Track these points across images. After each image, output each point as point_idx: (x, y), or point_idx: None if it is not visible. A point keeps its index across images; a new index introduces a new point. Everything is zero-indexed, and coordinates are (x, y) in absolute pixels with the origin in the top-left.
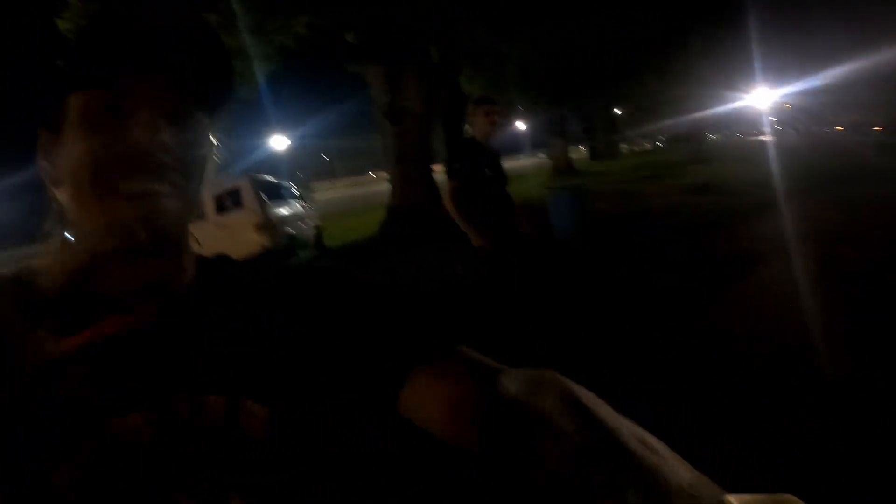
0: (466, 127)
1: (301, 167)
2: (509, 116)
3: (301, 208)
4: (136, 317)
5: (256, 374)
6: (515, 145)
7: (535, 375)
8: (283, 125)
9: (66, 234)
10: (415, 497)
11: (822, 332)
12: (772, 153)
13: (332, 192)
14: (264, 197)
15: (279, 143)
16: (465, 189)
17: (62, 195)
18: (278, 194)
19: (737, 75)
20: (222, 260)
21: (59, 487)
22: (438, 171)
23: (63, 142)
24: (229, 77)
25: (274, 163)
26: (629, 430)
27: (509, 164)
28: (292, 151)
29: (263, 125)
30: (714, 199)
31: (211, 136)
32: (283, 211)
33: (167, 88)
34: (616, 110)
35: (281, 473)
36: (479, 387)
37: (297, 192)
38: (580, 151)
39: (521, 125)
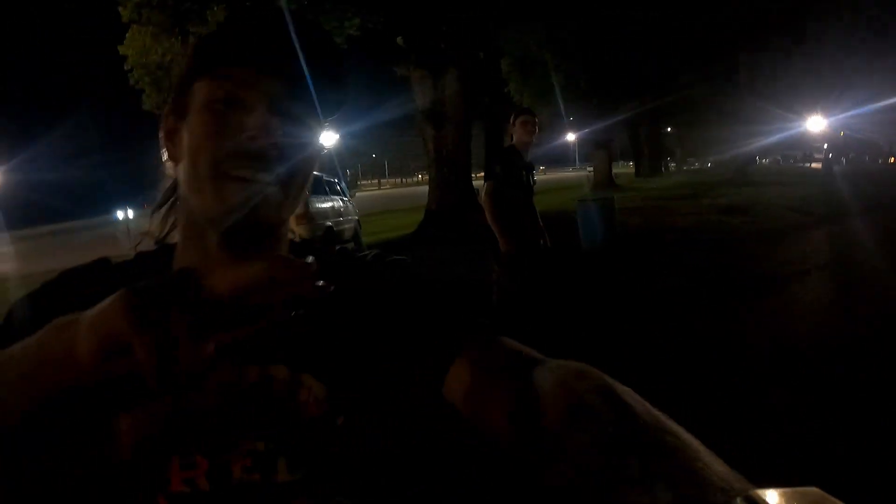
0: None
1: (350, 164)
2: (555, 127)
3: (342, 203)
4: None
5: (319, 352)
6: (564, 157)
7: (570, 366)
8: (333, 121)
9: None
10: (415, 497)
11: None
12: (818, 180)
13: (379, 190)
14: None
15: (328, 138)
16: (501, 191)
17: (179, 172)
18: (322, 188)
19: (793, 99)
20: (305, 245)
21: (123, 432)
22: (477, 176)
23: (187, 125)
24: (342, 89)
25: (322, 157)
26: (663, 424)
27: (556, 175)
28: (341, 147)
29: None
30: (744, 220)
31: (321, 142)
32: (324, 204)
33: (282, 89)
34: (668, 129)
35: (327, 450)
36: (516, 375)
37: (340, 188)
38: (628, 167)
39: (570, 137)
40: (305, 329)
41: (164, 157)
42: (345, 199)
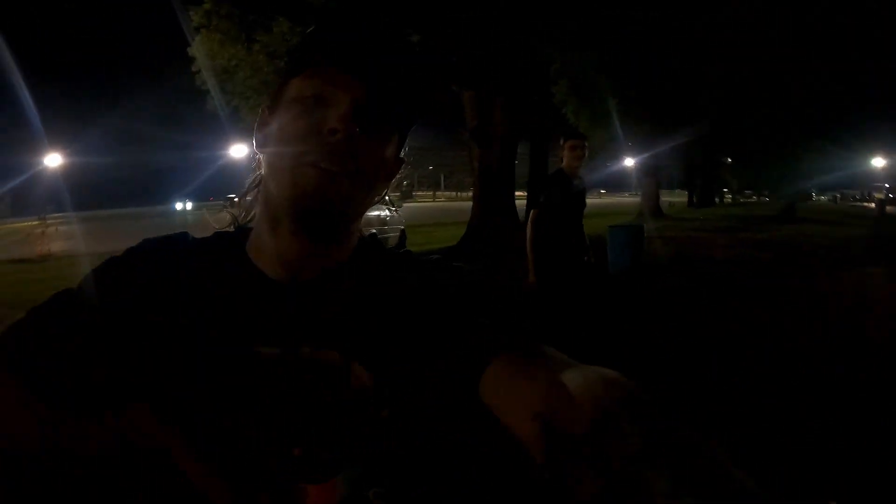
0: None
1: (407, 174)
2: (613, 151)
3: (389, 212)
4: (298, 274)
5: (369, 343)
6: (623, 181)
7: (603, 373)
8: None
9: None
10: (416, 498)
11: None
12: (869, 220)
13: (433, 202)
14: None
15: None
16: (543, 219)
17: (263, 161)
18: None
19: (854, 137)
20: (374, 240)
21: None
22: (520, 195)
23: (275, 116)
24: (420, 100)
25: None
26: (693, 438)
27: (611, 199)
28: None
29: None
30: (773, 256)
31: (401, 152)
32: (370, 212)
33: (363, 91)
34: (727, 159)
35: (369, 440)
36: (548, 378)
37: (388, 198)
38: (683, 196)
39: (628, 161)
40: (358, 320)
41: (255, 147)
42: (391, 207)
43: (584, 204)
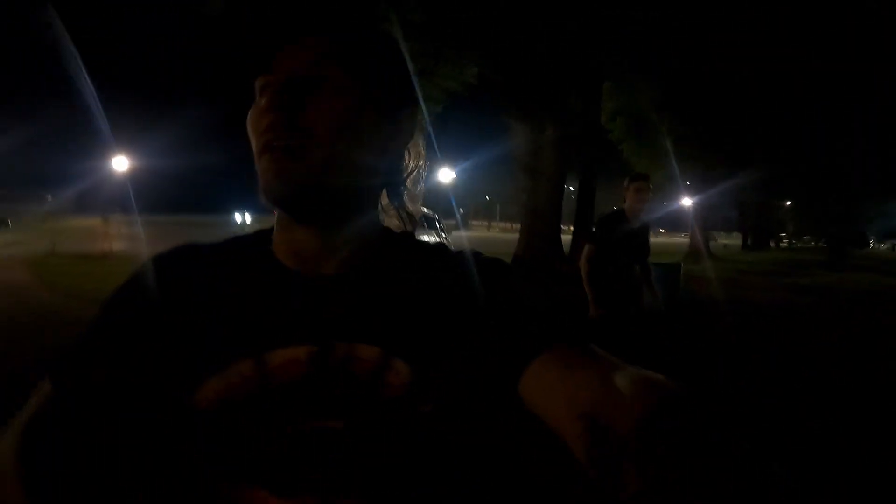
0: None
1: (464, 203)
2: (670, 190)
3: (438, 239)
4: (323, 268)
5: (409, 337)
6: (681, 221)
7: (651, 376)
8: (451, 159)
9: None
10: (418, 498)
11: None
12: None
13: (487, 232)
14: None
15: (446, 175)
16: (600, 256)
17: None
18: (420, 222)
19: None
20: (406, 236)
21: (201, 401)
22: (567, 229)
23: (252, 111)
24: (401, 79)
25: (436, 194)
26: (736, 439)
27: (664, 239)
28: (456, 187)
29: (431, 157)
30: (812, 302)
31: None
32: (422, 237)
33: (291, 59)
34: (786, 202)
35: (409, 436)
36: (595, 378)
37: (439, 224)
38: (737, 238)
39: (686, 202)
40: (396, 312)
41: None
42: (441, 234)
43: (645, 244)
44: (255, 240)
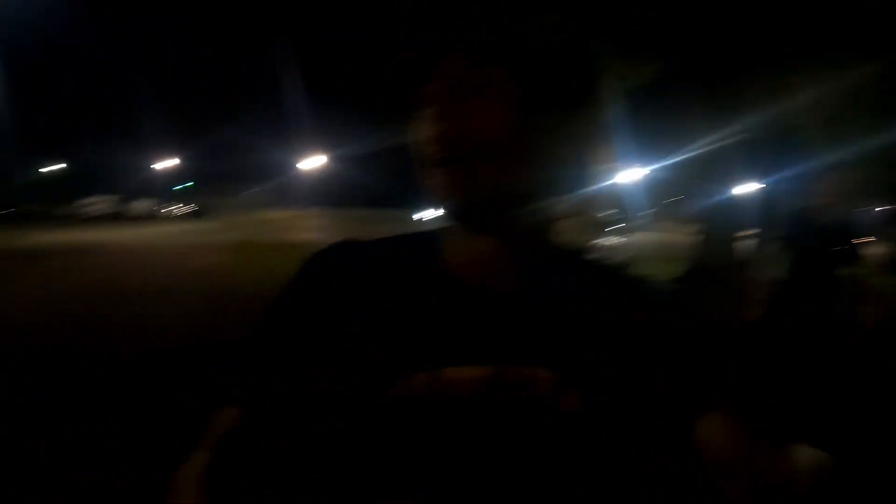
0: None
1: (654, 204)
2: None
3: (615, 239)
4: (491, 280)
5: (585, 362)
6: None
7: (807, 453)
8: (640, 157)
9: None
10: (419, 498)
11: None
12: None
13: (675, 234)
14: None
15: (631, 175)
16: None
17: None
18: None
19: None
20: (583, 251)
21: (372, 409)
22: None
23: (418, 121)
24: (573, 75)
25: (621, 192)
26: None
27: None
28: (643, 186)
29: (618, 155)
30: None
31: (579, 142)
32: (597, 240)
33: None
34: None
35: (571, 462)
36: (760, 455)
37: (618, 226)
38: None
39: None
40: (571, 338)
41: None
42: (618, 234)
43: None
44: (423, 242)
